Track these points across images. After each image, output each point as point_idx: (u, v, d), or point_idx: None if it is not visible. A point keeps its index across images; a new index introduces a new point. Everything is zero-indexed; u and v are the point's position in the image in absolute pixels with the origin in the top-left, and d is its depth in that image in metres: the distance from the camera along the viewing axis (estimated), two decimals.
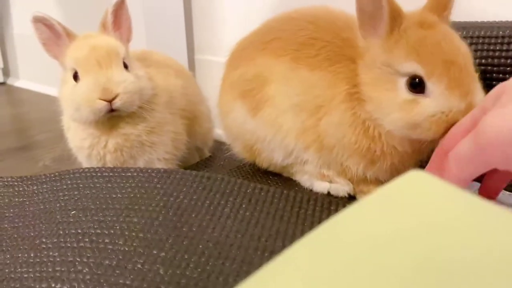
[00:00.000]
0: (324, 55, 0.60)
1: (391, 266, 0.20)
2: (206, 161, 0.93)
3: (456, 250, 0.20)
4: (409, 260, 0.20)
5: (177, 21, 1.20)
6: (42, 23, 0.72)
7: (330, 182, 0.65)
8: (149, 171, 0.62)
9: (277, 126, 0.64)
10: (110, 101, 0.68)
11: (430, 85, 0.50)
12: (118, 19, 0.76)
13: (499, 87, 0.45)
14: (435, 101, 0.50)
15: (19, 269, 0.50)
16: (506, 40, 0.68)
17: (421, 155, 0.59)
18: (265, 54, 0.66)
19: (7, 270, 0.51)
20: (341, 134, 0.59)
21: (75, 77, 0.70)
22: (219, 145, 1.01)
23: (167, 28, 1.20)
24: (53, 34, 0.72)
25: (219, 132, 1.06)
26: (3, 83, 2.01)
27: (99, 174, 0.63)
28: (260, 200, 0.58)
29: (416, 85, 0.51)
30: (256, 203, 0.57)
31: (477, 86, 0.52)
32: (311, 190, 0.67)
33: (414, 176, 0.26)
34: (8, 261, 0.52)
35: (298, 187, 0.68)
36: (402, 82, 0.52)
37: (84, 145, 0.73)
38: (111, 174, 0.63)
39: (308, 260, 0.22)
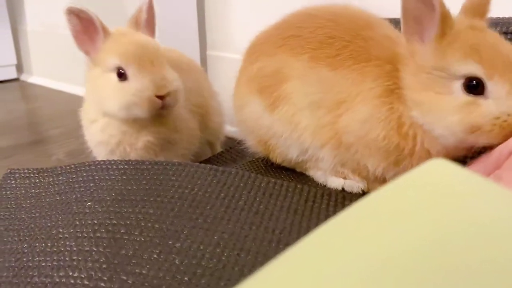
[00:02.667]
0: (347, 55, 0.60)
1: (405, 256, 0.20)
2: (218, 156, 0.93)
3: (475, 239, 0.20)
4: (426, 249, 0.20)
5: (190, 18, 1.21)
6: (76, 15, 0.70)
7: (345, 178, 0.65)
8: (164, 163, 0.62)
9: (294, 123, 0.64)
10: (163, 99, 0.68)
11: (491, 86, 0.49)
12: (150, 17, 0.77)
13: (502, 148, 0.44)
14: (499, 103, 0.49)
15: (37, 258, 0.51)
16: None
17: None
18: (284, 51, 0.65)
19: (25, 259, 0.52)
20: (365, 130, 0.58)
21: (121, 75, 0.69)
22: (230, 141, 1.02)
23: (180, 24, 1.20)
24: (87, 28, 0.71)
25: (230, 129, 1.06)
26: (16, 79, 2.03)
27: (114, 167, 0.64)
28: (274, 194, 0.58)
29: (474, 87, 0.50)
30: (270, 196, 0.57)
31: None
32: (324, 186, 0.67)
33: (437, 165, 0.26)
34: (26, 250, 0.53)
35: (311, 182, 0.68)
36: (458, 85, 0.51)
37: (111, 141, 0.73)
38: (126, 166, 0.63)
39: (320, 251, 0.22)
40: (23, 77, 2.02)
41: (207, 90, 0.97)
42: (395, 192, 0.24)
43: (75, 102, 0.95)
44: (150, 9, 0.77)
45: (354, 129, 0.59)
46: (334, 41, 0.61)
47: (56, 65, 1.84)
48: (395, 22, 0.62)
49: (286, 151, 0.68)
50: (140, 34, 0.74)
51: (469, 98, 0.50)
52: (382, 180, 0.62)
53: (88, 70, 0.74)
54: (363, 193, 0.64)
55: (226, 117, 0.98)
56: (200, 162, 0.91)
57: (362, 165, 0.62)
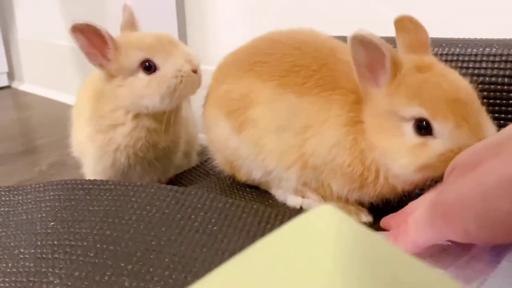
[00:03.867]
0: (313, 83, 0.62)
1: None
2: (193, 169, 0.95)
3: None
4: None
5: (170, 31, 1.23)
6: (81, 31, 0.68)
7: (303, 197, 0.67)
8: (126, 184, 0.64)
9: (260, 146, 0.66)
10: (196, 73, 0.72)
11: (436, 125, 0.51)
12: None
13: (449, 166, 0.47)
14: (444, 141, 0.51)
15: None
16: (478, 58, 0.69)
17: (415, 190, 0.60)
18: (251, 76, 0.67)
19: None
20: (332, 155, 0.60)
21: (149, 67, 0.70)
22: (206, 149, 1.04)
23: None
24: (95, 42, 0.70)
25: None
26: (8, 87, 2.05)
27: (79, 186, 0.66)
28: (230, 215, 0.60)
29: (424, 128, 0.52)
30: (225, 217, 0.59)
31: (486, 119, 0.52)
32: (284, 204, 0.69)
33: (324, 212, 0.28)
34: None
35: (272, 200, 0.70)
36: (409, 127, 0.53)
37: (137, 143, 0.75)
38: (90, 186, 0.65)
39: None
40: (15, 85, 2.05)
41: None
42: (273, 244, 0.26)
43: (65, 110, 0.97)
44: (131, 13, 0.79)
45: (322, 153, 0.61)
46: (301, 70, 0.63)
47: (47, 73, 1.87)
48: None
49: (250, 171, 0.70)
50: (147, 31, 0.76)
51: (419, 139, 0.53)
52: (345, 200, 0.64)
53: (107, 83, 0.74)
54: None
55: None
56: (177, 175, 0.94)
57: (326, 185, 0.64)
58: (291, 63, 0.64)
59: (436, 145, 0.52)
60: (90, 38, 0.69)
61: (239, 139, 0.68)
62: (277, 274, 0.24)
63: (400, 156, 0.54)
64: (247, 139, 0.67)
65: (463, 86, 0.53)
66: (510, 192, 0.35)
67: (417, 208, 0.50)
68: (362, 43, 0.52)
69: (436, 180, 0.54)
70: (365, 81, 0.56)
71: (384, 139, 0.55)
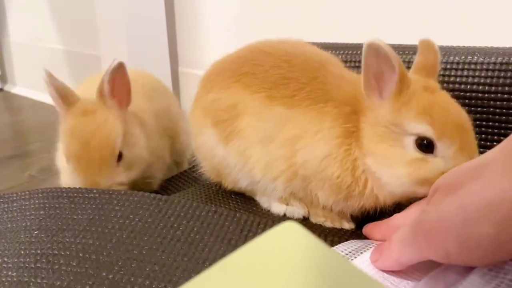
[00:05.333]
0: (304, 95, 0.62)
1: None
2: (181, 175, 0.96)
3: None
4: None
5: (159, 35, 1.23)
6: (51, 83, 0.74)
7: (287, 204, 0.68)
8: (110, 192, 0.65)
9: (246, 157, 0.67)
10: None
11: (440, 145, 0.53)
12: (116, 86, 0.76)
13: (433, 187, 0.48)
14: (446, 161, 0.53)
15: None
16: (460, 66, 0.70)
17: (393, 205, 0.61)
18: (239, 87, 0.67)
19: None
20: (322, 167, 0.60)
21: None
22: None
23: (150, 41, 1.23)
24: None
25: None
26: (0, 90, 2.05)
27: (64, 195, 0.66)
28: (212, 223, 0.60)
29: (425, 146, 0.54)
30: (207, 226, 0.60)
31: (476, 146, 0.55)
32: (269, 211, 0.70)
33: (287, 228, 0.29)
34: None
35: (257, 207, 0.71)
36: (410, 140, 0.55)
37: None
38: (75, 194, 0.66)
39: None
40: (7, 88, 2.05)
41: (176, 113, 1.00)
42: (241, 260, 0.27)
43: (57, 114, 0.97)
44: (116, 78, 0.75)
45: (312, 165, 0.61)
46: (290, 82, 0.63)
47: (39, 77, 1.87)
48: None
49: (238, 180, 0.71)
50: (97, 123, 0.74)
51: (419, 155, 0.54)
52: (329, 210, 0.65)
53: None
54: (304, 219, 0.67)
55: None
56: (166, 180, 0.95)
57: (313, 195, 0.64)
58: (280, 75, 0.64)
59: (438, 163, 0.53)
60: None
61: (227, 149, 0.69)
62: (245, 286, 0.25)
63: (399, 166, 0.55)
64: (234, 150, 0.68)
65: (464, 114, 0.55)
66: (489, 216, 0.36)
67: (400, 224, 0.51)
68: (376, 52, 0.53)
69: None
70: (370, 90, 0.57)
71: (383, 149, 0.56)
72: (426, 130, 0.53)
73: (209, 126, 0.70)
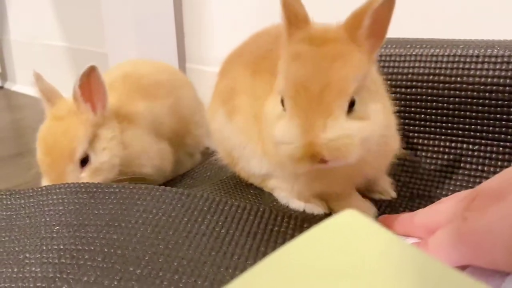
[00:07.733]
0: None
1: None
2: (193, 171, 0.95)
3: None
4: None
5: (168, 31, 1.22)
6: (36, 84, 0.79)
7: (306, 202, 0.67)
8: (131, 187, 0.64)
9: (246, 134, 0.68)
10: None
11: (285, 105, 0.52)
12: (88, 90, 0.75)
13: (471, 192, 0.47)
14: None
15: (2, 284, 0.53)
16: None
17: None
18: (239, 69, 0.71)
19: None
20: None
21: None
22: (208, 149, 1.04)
23: (158, 37, 1.22)
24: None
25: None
26: (1, 87, 2.03)
27: (83, 190, 0.65)
28: (236, 218, 0.60)
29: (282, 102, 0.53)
30: (232, 220, 0.59)
31: (329, 121, 0.48)
32: (287, 206, 0.69)
33: (349, 216, 0.28)
34: None
35: (276, 203, 0.70)
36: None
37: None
38: (94, 189, 0.65)
39: None
40: (7, 85, 2.03)
41: (188, 107, 0.99)
42: (303, 248, 0.26)
43: None
44: (87, 82, 0.74)
45: None
46: (272, 55, 0.63)
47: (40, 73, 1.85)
48: None
49: (247, 164, 0.71)
50: (62, 128, 0.75)
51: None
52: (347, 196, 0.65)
53: None
54: (324, 215, 0.67)
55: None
56: (176, 178, 0.94)
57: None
58: (264, 49, 0.67)
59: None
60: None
61: (231, 126, 0.71)
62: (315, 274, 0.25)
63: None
64: (236, 126, 0.70)
65: (325, 77, 0.51)
66: None
67: (428, 223, 0.50)
68: None
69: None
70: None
71: None
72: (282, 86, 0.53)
73: (219, 105, 0.74)
